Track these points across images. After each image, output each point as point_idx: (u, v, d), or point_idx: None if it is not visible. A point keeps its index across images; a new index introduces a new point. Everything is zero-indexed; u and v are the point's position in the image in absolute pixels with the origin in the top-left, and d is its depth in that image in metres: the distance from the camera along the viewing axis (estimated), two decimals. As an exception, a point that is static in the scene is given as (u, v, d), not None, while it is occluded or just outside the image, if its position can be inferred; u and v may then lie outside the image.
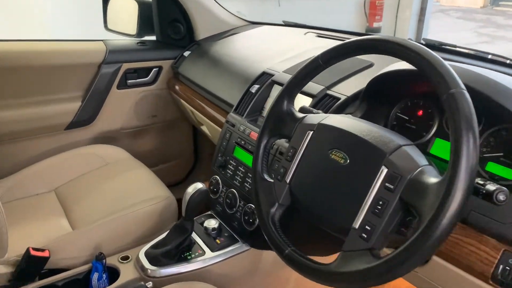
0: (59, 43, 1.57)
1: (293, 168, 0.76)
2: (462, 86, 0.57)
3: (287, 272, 1.20)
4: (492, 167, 0.76)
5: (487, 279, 0.67)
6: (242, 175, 1.12)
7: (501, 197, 0.56)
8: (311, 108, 0.87)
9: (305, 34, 1.59)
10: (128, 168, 1.47)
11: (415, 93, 0.95)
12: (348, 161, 0.68)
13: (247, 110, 1.20)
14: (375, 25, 5.26)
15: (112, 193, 1.33)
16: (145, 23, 1.72)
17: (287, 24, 1.80)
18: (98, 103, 1.64)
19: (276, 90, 1.18)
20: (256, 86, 1.22)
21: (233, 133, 1.18)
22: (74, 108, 1.59)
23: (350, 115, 0.77)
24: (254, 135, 1.10)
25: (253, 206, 1.05)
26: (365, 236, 0.62)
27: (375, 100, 0.98)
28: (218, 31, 1.79)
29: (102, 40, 1.66)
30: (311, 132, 0.76)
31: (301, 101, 1.09)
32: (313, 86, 1.08)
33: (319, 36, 1.54)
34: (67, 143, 1.63)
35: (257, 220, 1.04)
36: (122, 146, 1.65)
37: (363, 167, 0.66)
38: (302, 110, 0.85)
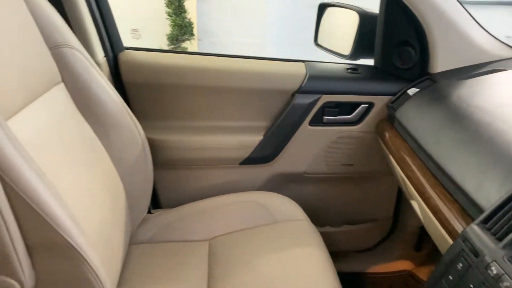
0: (256, 62, 1.30)
1: None
2: None
3: None
4: None
5: None
6: None
7: None
8: None
9: None
10: (301, 240, 1.09)
11: None
12: None
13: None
14: None
15: (269, 273, 0.98)
16: (363, 42, 1.30)
17: None
18: (283, 139, 1.31)
19: None
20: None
21: (472, 269, 0.65)
22: (253, 141, 1.31)
23: None
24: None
25: None
26: None
27: None
28: (468, 63, 1.20)
29: (303, 61, 1.32)
30: None
31: None
32: None
33: None
34: (238, 180, 1.37)
35: None
36: (299, 193, 1.36)
37: None
38: None
